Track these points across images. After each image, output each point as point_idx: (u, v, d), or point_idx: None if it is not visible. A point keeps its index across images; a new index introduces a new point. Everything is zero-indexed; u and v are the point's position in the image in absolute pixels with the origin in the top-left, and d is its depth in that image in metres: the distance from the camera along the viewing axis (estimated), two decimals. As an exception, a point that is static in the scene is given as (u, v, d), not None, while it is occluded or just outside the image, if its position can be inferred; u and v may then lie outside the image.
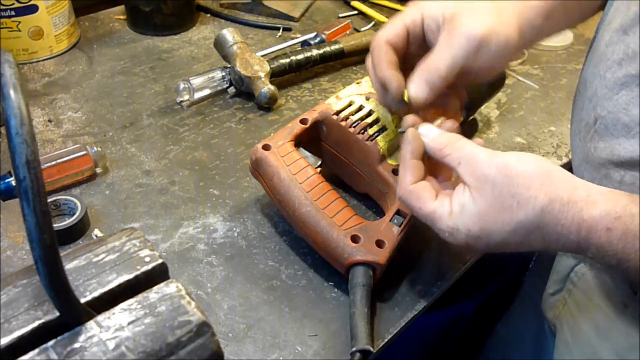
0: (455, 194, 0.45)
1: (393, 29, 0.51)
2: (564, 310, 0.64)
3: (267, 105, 0.78)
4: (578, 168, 0.55)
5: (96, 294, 0.32)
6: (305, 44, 0.91)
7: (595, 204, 0.41)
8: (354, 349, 0.46)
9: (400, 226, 0.53)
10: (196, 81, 0.77)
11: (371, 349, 0.46)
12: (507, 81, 0.80)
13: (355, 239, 0.51)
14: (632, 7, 0.48)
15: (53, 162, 0.61)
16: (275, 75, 0.81)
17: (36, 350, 0.29)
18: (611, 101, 0.49)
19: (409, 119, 0.50)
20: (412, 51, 0.52)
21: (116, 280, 0.33)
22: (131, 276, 0.33)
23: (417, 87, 0.49)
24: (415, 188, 0.47)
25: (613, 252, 0.41)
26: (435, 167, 0.49)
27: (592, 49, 0.55)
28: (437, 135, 0.48)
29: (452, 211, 0.44)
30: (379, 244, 0.51)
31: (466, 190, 0.44)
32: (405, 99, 0.50)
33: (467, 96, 0.66)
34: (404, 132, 0.49)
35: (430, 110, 0.53)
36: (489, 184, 0.43)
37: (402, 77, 0.50)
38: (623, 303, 0.55)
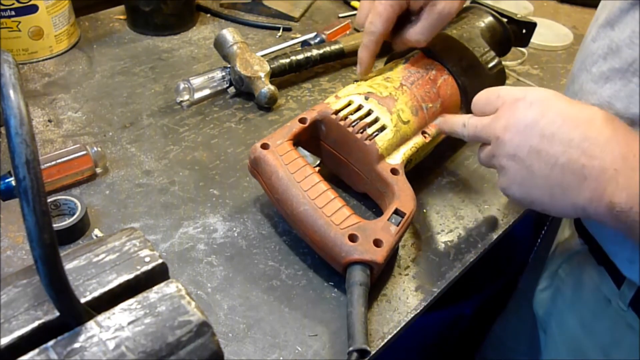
0: None
1: (387, 22, 0.61)
2: (552, 307, 0.65)
3: (267, 105, 0.78)
4: None
5: (96, 294, 0.32)
6: (305, 44, 0.91)
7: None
8: (350, 348, 0.46)
9: (398, 225, 0.53)
10: (196, 81, 0.77)
11: (368, 349, 0.46)
12: (507, 81, 0.80)
13: (352, 238, 0.51)
14: (617, 3, 0.49)
15: (53, 162, 0.61)
16: (275, 75, 0.81)
17: (36, 350, 0.29)
18: (595, 95, 0.50)
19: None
20: None
21: (116, 280, 0.33)
22: (131, 276, 0.33)
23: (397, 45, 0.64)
24: None
25: None
26: None
27: (581, 45, 0.57)
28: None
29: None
30: (377, 243, 0.51)
31: None
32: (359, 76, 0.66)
33: (468, 98, 0.67)
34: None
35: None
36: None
37: (372, 64, 0.65)
38: (607, 298, 0.56)
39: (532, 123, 0.46)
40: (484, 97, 0.52)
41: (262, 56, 0.80)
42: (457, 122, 0.55)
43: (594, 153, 0.42)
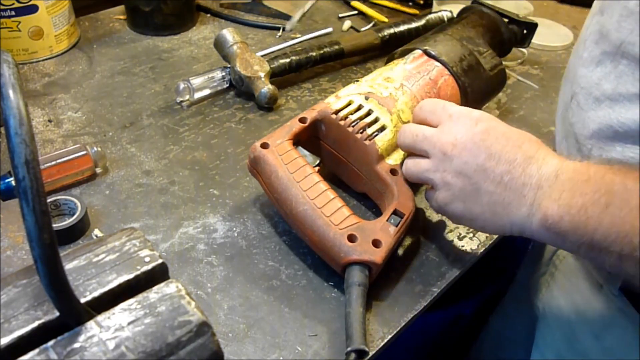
0: None
1: None
2: (547, 293, 0.67)
3: (267, 105, 0.78)
4: (559, 146, 0.60)
5: (96, 294, 0.32)
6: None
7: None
8: (348, 348, 0.46)
9: (397, 226, 0.53)
10: (196, 81, 0.77)
11: (366, 349, 0.46)
12: (507, 81, 0.80)
13: (351, 238, 0.51)
14: None
15: (53, 162, 0.61)
16: (275, 75, 0.81)
17: (36, 350, 0.29)
18: (585, 78, 0.53)
19: None
20: None
21: (116, 280, 0.33)
22: (131, 276, 0.33)
23: None
24: None
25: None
26: None
27: (578, 38, 0.59)
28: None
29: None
30: (376, 243, 0.51)
31: None
32: None
33: (468, 98, 0.67)
34: None
35: None
36: None
37: None
38: (599, 283, 0.58)
39: (480, 141, 0.49)
40: (430, 105, 0.54)
41: (262, 56, 0.81)
42: None
43: (532, 172, 0.46)
